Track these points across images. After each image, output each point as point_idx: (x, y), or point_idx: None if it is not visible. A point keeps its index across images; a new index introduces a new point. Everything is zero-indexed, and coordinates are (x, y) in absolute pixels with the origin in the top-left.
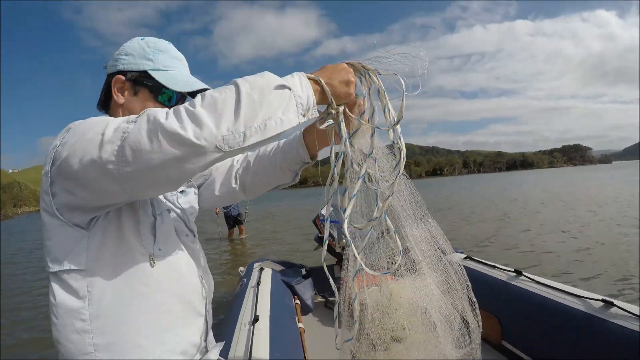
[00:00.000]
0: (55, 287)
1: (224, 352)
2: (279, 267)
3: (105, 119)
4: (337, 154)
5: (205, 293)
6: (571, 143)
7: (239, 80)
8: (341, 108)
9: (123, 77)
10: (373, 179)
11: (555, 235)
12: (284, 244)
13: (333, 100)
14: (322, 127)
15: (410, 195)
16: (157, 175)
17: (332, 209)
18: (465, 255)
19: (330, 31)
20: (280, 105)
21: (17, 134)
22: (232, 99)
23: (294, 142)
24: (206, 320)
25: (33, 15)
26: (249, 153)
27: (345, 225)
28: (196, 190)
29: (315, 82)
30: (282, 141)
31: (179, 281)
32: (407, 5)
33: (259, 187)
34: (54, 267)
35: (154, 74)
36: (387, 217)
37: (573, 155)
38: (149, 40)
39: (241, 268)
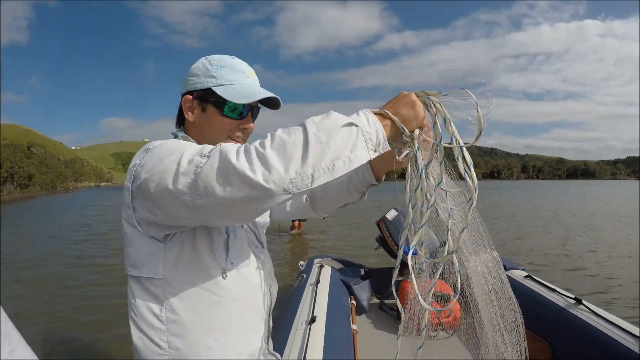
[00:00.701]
0: (135, 289)
1: (280, 349)
2: (339, 265)
3: (182, 145)
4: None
5: (271, 299)
6: (636, 155)
7: (307, 122)
8: (416, 132)
9: (191, 97)
10: (441, 210)
11: (622, 260)
12: (344, 239)
13: (404, 127)
14: (401, 157)
15: (475, 227)
16: (228, 210)
17: (397, 213)
18: (525, 274)
19: (392, 25)
20: (347, 144)
21: (82, 114)
22: (300, 142)
23: (360, 166)
24: (268, 324)
25: (99, 1)
26: None
27: (409, 258)
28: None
29: (382, 115)
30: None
31: (248, 290)
32: (471, 1)
33: (328, 205)
34: (133, 272)
35: (217, 89)
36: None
37: (637, 167)
38: (212, 59)
39: (301, 262)
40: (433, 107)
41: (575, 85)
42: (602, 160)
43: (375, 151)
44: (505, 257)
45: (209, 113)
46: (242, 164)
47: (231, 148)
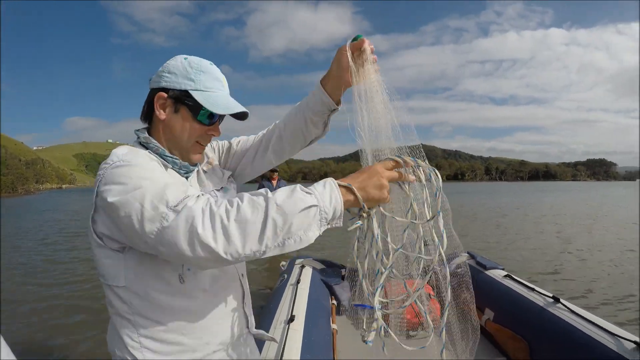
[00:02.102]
0: (107, 293)
1: (258, 349)
2: (320, 266)
3: (142, 177)
4: (359, 239)
5: (243, 289)
6: (597, 157)
7: (269, 200)
8: (373, 211)
9: (165, 95)
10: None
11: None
12: (326, 236)
13: (365, 206)
14: (350, 228)
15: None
16: (184, 260)
17: None
18: (505, 273)
19: (363, 29)
20: (302, 225)
21: (45, 113)
22: (260, 222)
23: (317, 94)
24: (245, 313)
25: None
26: (278, 122)
27: (378, 314)
28: (234, 185)
29: (347, 188)
30: (305, 98)
31: (212, 287)
32: (442, 7)
33: (296, 147)
34: (101, 279)
35: (194, 94)
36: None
37: (597, 170)
38: (192, 60)
39: (283, 262)
40: (415, 172)
41: (538, 91)
42: (563, 163)
43: (327, 225)
44: (484, 257)
45: (182, 115)
46: (206, 234)
47: (197, 212)
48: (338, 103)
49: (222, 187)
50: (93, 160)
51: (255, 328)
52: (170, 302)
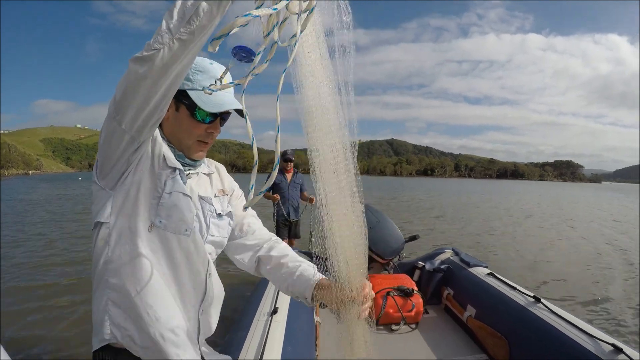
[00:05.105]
0: (94, 236)
1: (241, 341)
2: (305, 258)
3: None
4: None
5: (206, 293)
6: (564, 159)
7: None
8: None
9: None
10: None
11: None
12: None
13: None
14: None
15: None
16: (131, 95)
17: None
18: (488, 271)
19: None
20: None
21: (11, 95)
22: None
23: (306, 284)
24: (199, 320)
25: None
26: (273, 252)
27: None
28: (232, 223)
29: None
30: (300, 271)
31: (169, 264)
32: (425, 6)
33: (271, 280)
34: (94, 220)
35: (190, 93)
36: None
37: (564, 171)
38: None
39: None
40: None
41: (512, 92)
42: (531, 163)
43: None
44: (468, 254)
45: (181, 113)
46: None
47: None
48: (312, 301)
49: (219, 214)
50: (60, 146)
51: (239, 320)
52: (136, 244)
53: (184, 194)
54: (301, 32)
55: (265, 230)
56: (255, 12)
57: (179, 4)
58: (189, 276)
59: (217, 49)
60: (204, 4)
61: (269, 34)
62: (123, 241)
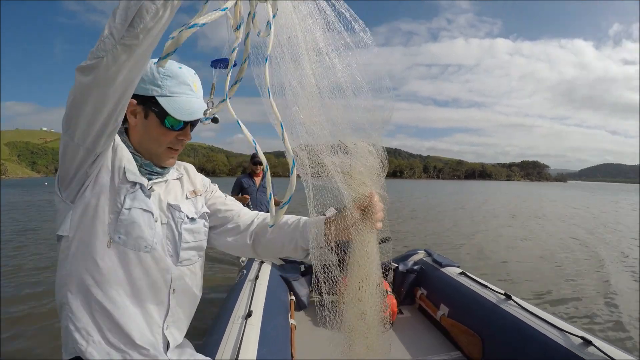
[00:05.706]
0: (58, 249)
1: (216, 344)
2: (279, 262)
3: None
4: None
5: (169, 309)
6: (530, 159)
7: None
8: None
9: (135, 102)
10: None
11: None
12: None
13: None
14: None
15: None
16: (81, 106)
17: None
18: (460, 271)
19: None
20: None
21: None
22: None
23: (318, 225)
24: (164, 335)
25: None
26: (268, 221)
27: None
28: (207, 224)
29: None
30: (303, 220)
31: (130, 281)
32: (396, 10)
33: (269, 253)
34: (56, 233)
35: (160, 100)
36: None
37: (530, 171)
38: None
39: (242, 258)
40: None
41: (480, 95)
42: (498, 163)
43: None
44: (440, 255)
45: (150, 121)
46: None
47: None
48: (328, 243)
49: (192, 218)
50: (26, 150)
51: (213, 324)
52: (97, 264)
53: (144, 210)
54: (274, 15)
55: (248, 209)
56: (202, 20)
57: (122, 4)
58: (149, 292)
59: (165, 65)
60: (147, 3)
61: (239, 26)
62: (82, 256)
